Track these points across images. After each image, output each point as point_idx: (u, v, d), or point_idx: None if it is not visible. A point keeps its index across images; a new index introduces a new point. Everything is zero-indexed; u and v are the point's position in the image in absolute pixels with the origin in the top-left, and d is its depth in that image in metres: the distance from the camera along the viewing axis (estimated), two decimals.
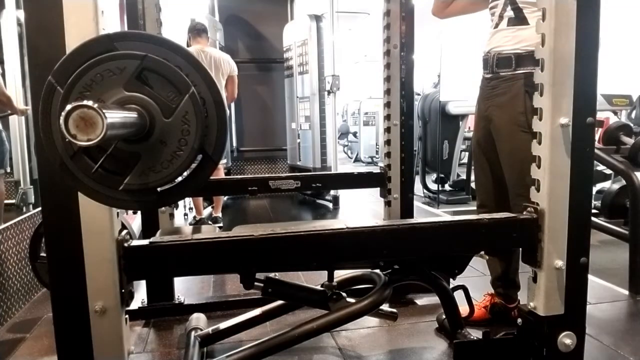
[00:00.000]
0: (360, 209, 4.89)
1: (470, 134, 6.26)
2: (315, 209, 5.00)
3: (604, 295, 2.39)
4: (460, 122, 6.05)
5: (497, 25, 1.81)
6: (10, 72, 2.87)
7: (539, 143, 1.18)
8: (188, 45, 3.94)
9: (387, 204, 2.30)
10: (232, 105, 5.34)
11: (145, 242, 1.07)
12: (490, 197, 1.98)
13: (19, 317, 2.26)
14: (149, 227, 2.16)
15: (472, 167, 2.12)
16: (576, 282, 1.21)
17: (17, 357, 1.89)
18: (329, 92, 4.61)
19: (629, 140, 3.13)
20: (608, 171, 3.98)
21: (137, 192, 0.86)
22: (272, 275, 1.57)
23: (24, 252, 2.38)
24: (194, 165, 0.90)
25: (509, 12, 1.74)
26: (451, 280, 1.98)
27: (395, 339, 1.99)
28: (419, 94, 6.49)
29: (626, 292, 2.43)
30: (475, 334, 1.77)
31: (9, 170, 3.08)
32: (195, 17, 4.27)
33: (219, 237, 1.10)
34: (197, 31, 3.92)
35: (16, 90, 2.94)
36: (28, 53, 0.98)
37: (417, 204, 4.40)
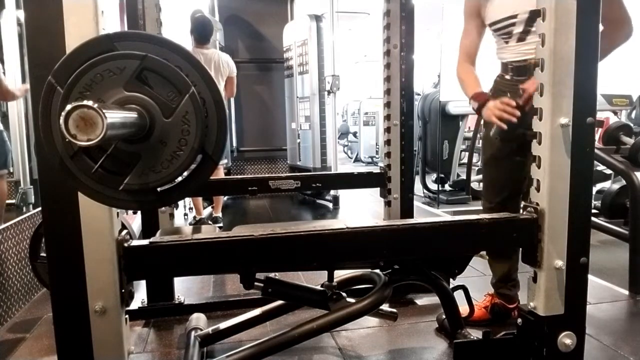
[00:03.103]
0: (360, 209, 4.89)
1: (470, 134, 6.27)
2: (315, 209, 5.00)
3: (604, 295, 2.39)
4: (460, 122, 6.04)
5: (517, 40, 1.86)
6: (10, 72, 2.87)
7: (539, 143, 1.18)
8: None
9: (387, 204, 2.30)
10: (232, 105, 5.34)
11: (145, 242, 1.07)
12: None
13: (19, 317, 2.26)
14: (149, 227, 2.16)
15: (486, 165, 2.08)
16: (576, 282, 1.21)
17: (17, 357, 1.89)
18: (329, 92, 4.61)
19: (629, 140, 3.14)
20: (608, 171, 3.98)
21: (137, 192, 0.86)
22: (272, 275, 1.57)
23: (24, 252, 2.38)
24: (194, 165, 0.90)
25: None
26: (451, 280, 1.99)
27: (395, 339, 1.99)
28: (419, 94, 6.49)
29: (626, 292, 2.43)
30: (475, 334, 1.77)
31: (11, 170, 3.08)
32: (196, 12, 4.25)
33: (219, 237, 1.10)
34: (201, 38, 3.88)
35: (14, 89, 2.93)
36: (28, 53, 0.98)
37: (417, 204, 4.40)
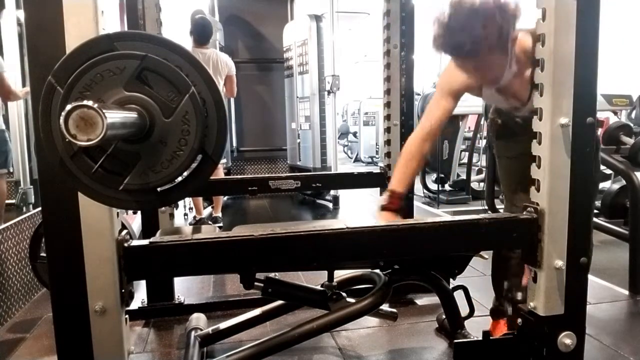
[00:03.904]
0: (360, 209, 4.89)
1: (470, 134, 6.27)
2: (315, 209, 5.00)
3: (604, 295, 2.39)
4: (460, 122, 6.04)
5: None
6: (10, 72, 2.87)
7: (539, 143, 1.18)
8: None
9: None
10: (232, 105, 5.34)
11: (145, 242, 1.07)
12: None
13: (19, 317, 2.26)
14: (149, 227, 2.15)
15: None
16: (576, 282, 1.21)
17: (17, 357, 1.89)
18: (329, 92, 4.61)
19: (629, 140, 3.13)
20: (608, 171, 3.98)
21: (137, 192, 0.86)
22: (272, 275, 1.57)
23: (24, 252, 2.38)
24: (194, 165, 0.90)
25: None
26: (451, 280, 1.98)
27: (395, 339, 1.99)
28: (419, 94, 6.48)
29: (626, 292, 2.43)
30: (475, 334, 1.77)
31: (11, 170, 3.08)
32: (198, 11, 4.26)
33: (219, 237, 1.10)
34: (200, 39, 3.88)
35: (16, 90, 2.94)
36: (28, 53, 0.98)
37: (417, 204, 4.40)
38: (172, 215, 2.24)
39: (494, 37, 1.37)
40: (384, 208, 1.64)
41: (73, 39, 0.93)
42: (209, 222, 4.09)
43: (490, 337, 1.35)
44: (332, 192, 4.86)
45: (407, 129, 2.23)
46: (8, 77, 2.76)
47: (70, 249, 1.00)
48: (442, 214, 4.54)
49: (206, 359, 1.76)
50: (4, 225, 2.31)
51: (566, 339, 1.20)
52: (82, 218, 0.99)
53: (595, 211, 3.83)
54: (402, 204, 1.67)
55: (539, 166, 1.19)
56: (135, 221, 2.74)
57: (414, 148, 1.69)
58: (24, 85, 3.07)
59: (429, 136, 1.69)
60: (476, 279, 2.52)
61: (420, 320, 2.12)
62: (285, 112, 5.46)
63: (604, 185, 4.35)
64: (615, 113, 5.65)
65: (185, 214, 4.43)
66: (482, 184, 6.02)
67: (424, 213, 4.63)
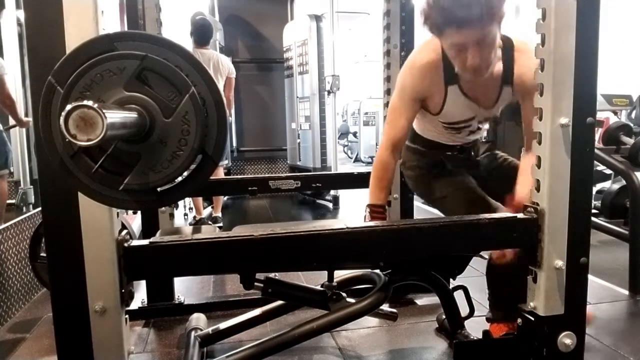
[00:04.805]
0: (360, 209, 4.88)
1: None
2: (315, 209, 5.00)
3: (604, 295, 2.39)
4: None
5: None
6: (10, 72, 2.87)
7: (539, 143, 1.18)
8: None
9: (387, 204, 2.30)
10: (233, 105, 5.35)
11: (145, 242, 1.07)
12: None
13: (19, 317, 2.26)
14: (149, 227, 2.15)
15: None
16: (576, 282, 1.21)
17: (17, 357, 1.89)
18: (329, 92, 4.61)
19: (629, 140, 3.13)
20: (608, 171, 3.98)
21: (137, 192, 0.86)
22: (272, 275, 1.57)
23: (24, 252, 2.38)
24: (194, 166, 0.90)
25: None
26: (451, 280, 1.98)
27: (395, 339, 1.99)
28: None
29: (626, 292, 2.42)
30: (475, 334, 1.77)
31: (12, 170, 3.08)
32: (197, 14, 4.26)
33: (219, 237, 1.10)
34: (200, 40, 3.88)
35: (16, 91, 2.94)
36: (28, 53, 0.99)
37: (417, 204, 4.38)
38: (172, 215, 2.24)
39: (500, 8, 1.33)
40: None
41: (73, 39, 0.93)
42: (209, 222, 4.09)
43: (491, 337, 1.35)
44: (332, 192, 4.86)
45: None
46: (9, 81, 2.75)
47: (70, 249, 1.00)
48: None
49: (206, 359, 1.76)
50: (4, 225, 2.31)
51: (566, 339, 1.20)
52: (82, 218, 0.99)
53: (595, 211, 3.84)
54: (384, 216, 1.69)
55: (539, 166, 1.19)
56: (135, 221, 2.74)
57: (381, 160, 1.69)
58: (24, 84, 3.07)
59: (396, 145, 1.67)
60: (476, 279, 2.51)
61: (420, 320, 2.12)
62: (285, 112, 5.46)
63: (604, 185, 4.35)
64: (615, 113, 5.65)
65: (185, 214, 4.44)
66: None
67: (424, 213, 4.62)
